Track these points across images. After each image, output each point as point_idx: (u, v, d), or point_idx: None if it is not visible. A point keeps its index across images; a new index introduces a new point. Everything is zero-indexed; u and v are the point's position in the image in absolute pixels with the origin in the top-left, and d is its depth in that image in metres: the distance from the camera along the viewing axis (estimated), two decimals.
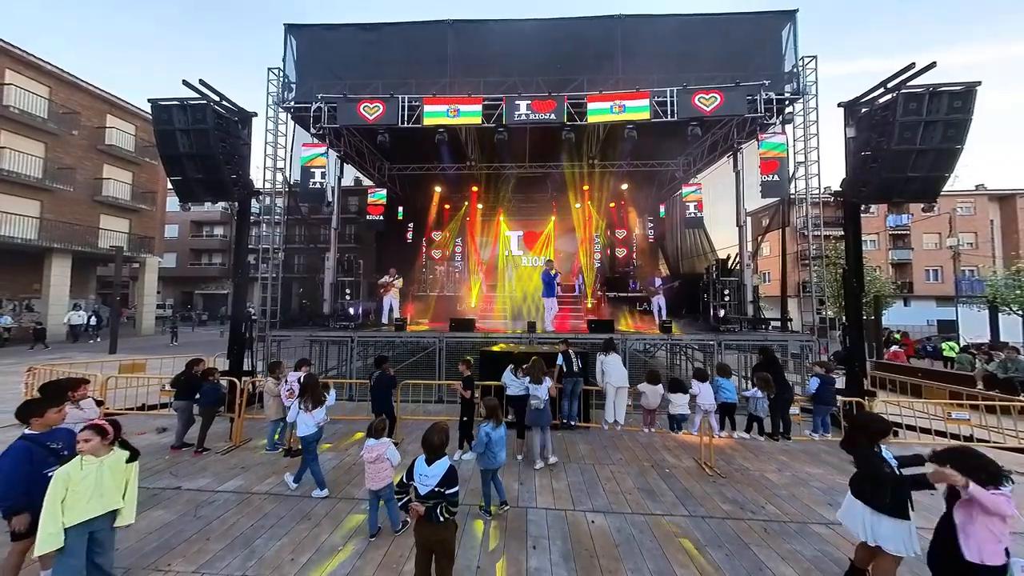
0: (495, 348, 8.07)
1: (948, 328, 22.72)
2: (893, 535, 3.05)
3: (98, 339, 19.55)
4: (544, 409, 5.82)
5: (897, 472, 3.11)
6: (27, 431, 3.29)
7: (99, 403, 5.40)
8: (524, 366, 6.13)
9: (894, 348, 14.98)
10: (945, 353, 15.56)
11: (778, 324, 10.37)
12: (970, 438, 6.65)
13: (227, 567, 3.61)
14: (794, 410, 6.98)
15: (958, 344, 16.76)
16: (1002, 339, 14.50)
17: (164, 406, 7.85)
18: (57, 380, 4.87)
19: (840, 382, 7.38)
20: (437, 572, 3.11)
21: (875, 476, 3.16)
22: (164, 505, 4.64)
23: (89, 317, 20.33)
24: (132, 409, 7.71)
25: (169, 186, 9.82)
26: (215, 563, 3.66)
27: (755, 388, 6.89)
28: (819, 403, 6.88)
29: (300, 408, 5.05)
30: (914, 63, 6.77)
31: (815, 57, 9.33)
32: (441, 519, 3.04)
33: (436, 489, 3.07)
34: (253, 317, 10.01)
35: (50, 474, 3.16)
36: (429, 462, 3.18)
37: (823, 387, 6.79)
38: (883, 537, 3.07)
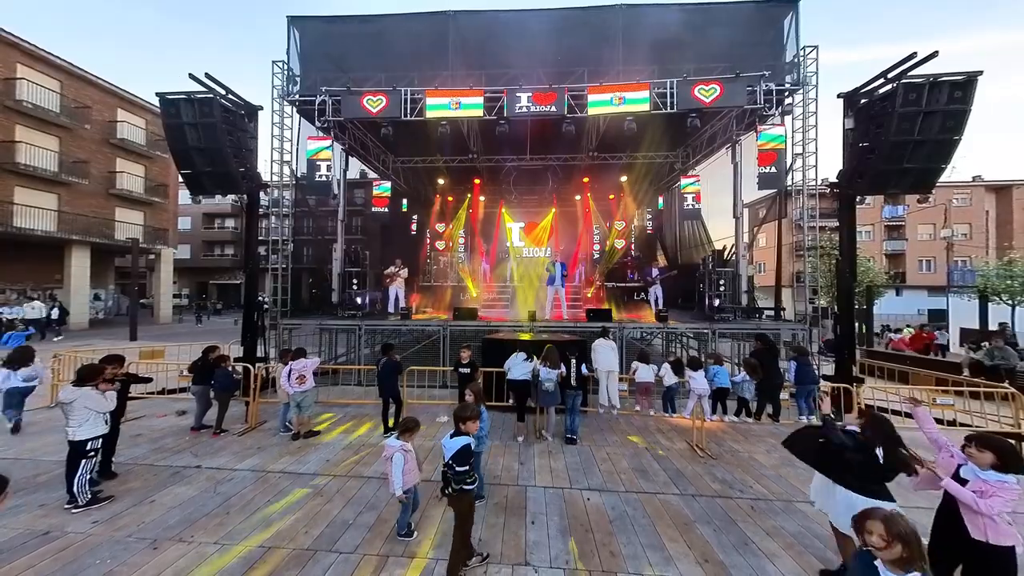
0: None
1: (938, 317, 22.76)
2: None
3: (61, 336, 16.33)
4: (554, 392, 6.23)
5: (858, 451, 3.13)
6: None
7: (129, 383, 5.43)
8: (542, 355, 6.52)
9: (890, 336, 16.08)
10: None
11: (771, 313, 10.51)
12: (953, 422, 6.82)
13: (245, 539, 3.88)
14: (784, 395, 7.19)
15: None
16: (990, 328, 14.53)
17: (183, 390, 8.26)
18: (92, 364, 4.82)
19: (830, 369, 7.57)
20: (454, 534, 3.38)
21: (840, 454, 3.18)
22: (186, 482, 4.95)
23: (50, 309, 17.02)
24: (153, 393, 8.07)
25: (180, 179, 10.07)
26: (234, 535, 3.93)
27: (742, 373, 7.18)
28: (799, 384, 7.14)
29: (9, 371, 6.39)
30: (915, 53, 6.70)
31: (816, 47, 9.25)
32: (449, 491, 3.29)
33: (449, 462, 3.31)
34: (265, 306, 10.32)
35: None
36: (453, 435, 3.44)
37: (799, 369, 7.10)
38: None
